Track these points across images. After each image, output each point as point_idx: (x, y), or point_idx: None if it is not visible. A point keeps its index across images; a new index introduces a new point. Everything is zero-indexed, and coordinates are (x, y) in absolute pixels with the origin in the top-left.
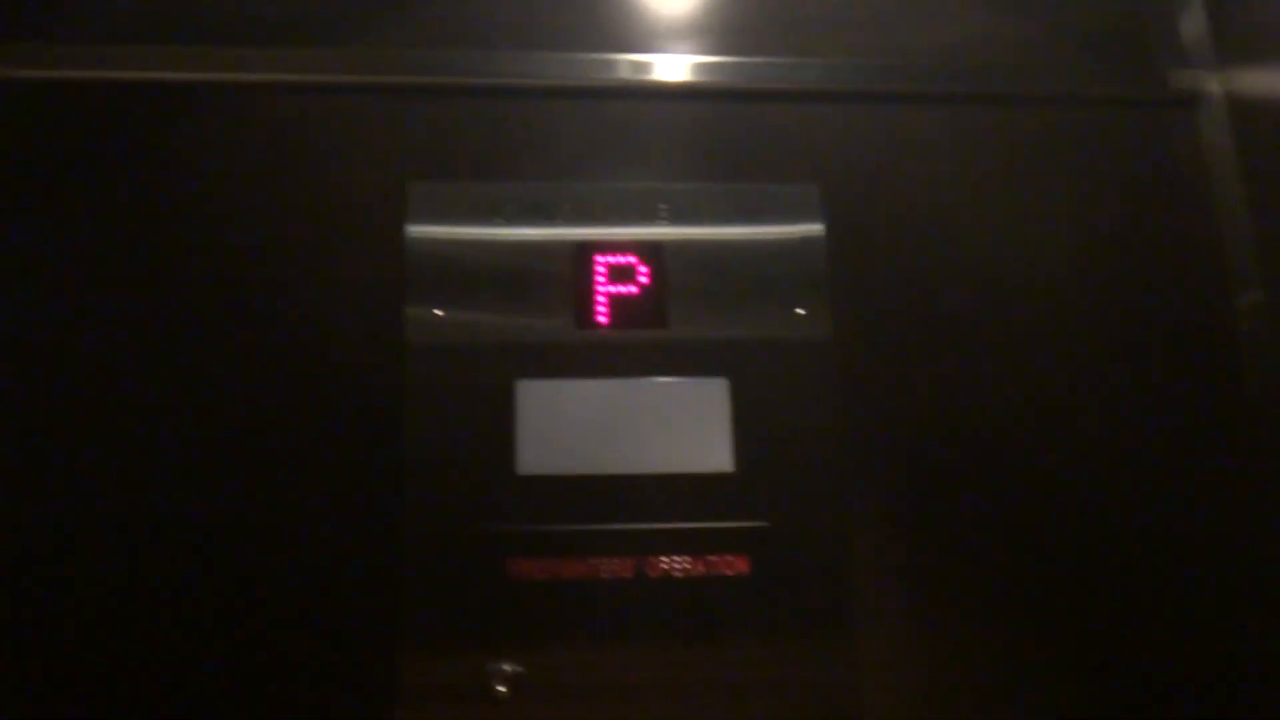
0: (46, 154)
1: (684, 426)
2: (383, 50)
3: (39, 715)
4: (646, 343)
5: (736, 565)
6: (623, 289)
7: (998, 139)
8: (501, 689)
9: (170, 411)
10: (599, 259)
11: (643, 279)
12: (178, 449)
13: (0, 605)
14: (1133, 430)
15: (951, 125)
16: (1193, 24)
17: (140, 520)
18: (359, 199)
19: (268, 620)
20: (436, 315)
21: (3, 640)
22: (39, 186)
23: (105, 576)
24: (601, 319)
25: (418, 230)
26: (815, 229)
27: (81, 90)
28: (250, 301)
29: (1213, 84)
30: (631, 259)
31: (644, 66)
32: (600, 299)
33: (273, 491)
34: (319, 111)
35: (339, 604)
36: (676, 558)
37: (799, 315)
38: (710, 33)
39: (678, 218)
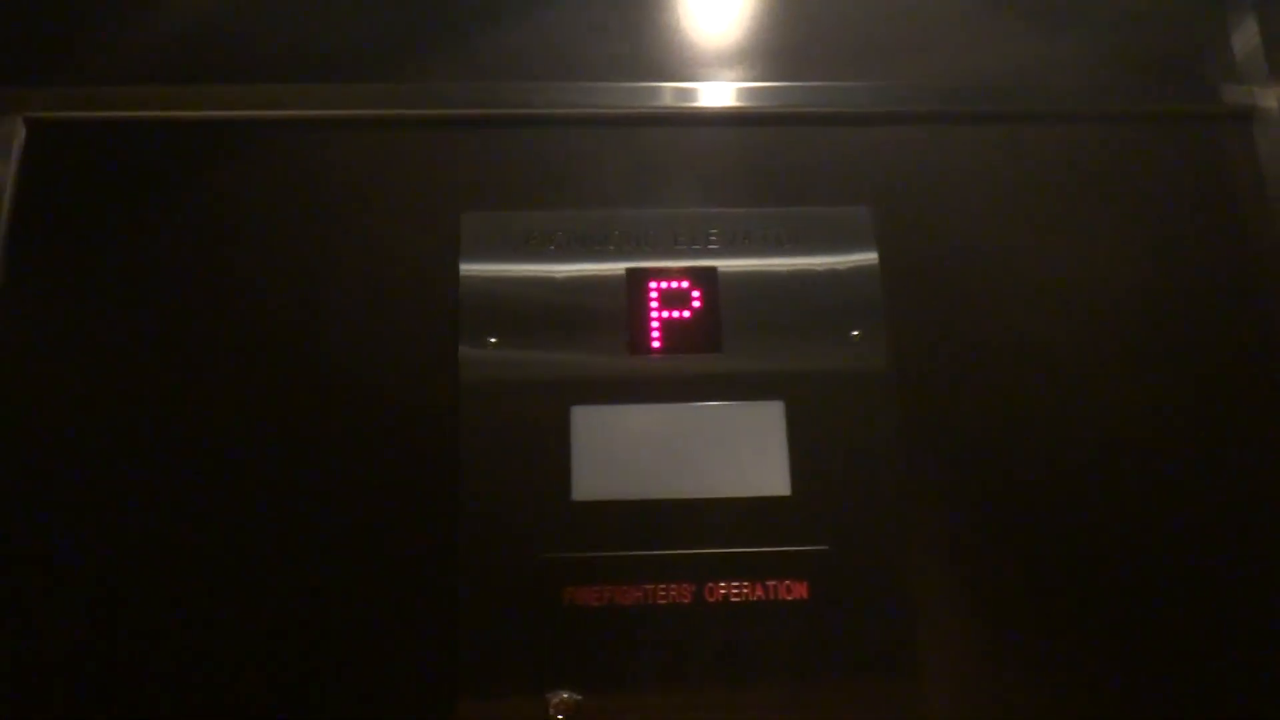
0: (88, 196)
1: (740, 450)
2: (431, 84)
3: None
4: (700, 367)
5: (796, 590)
6: (675, 314)
7: (1049, 159)
8: (560, 716)
9: (215, 444)
10: (651, 284)
11: (695, 303)
12: (226, 483)
13: (55, 640)
14: (1200, 456)
15: (1002, 145)
16: (1245, 38)
17: (194, 563)
18: (410, 231)
19: (326, 657)
20: (490, 343)
21: (56, 671)
22: (82, 227)
23: (161, 619)
24: (655, 344)
25: (471, 259)
26: (869, 251)
27: (126, 130)
28: (304, 335)
29: (1268, 98)
30: (684, 284)
31: (688, 94)
32: (654, 324)
33: (328, 527)
34: (368, 146)
35: (396, 635)
36: (735, 583)
37: (854, 337)
38: (755, 58)
39: (729, 242)
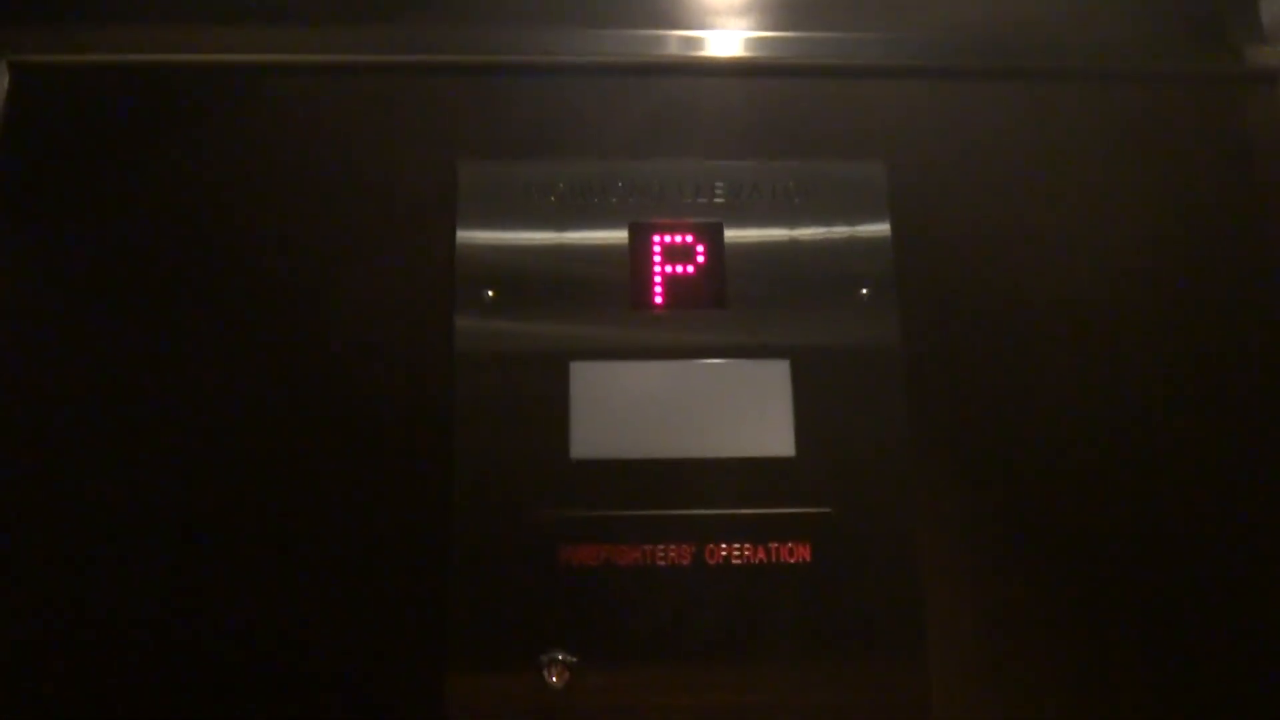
0: (75, 141)
1: (743, 409)
2: (429, 28)
3: None
4: (704, 324)
5: (799, 553)
6: (679, 269)
7: (1069, 118)
8: (554, 679)
9: (199, 401)
10: (655, 239)
11: (700, 259)
12: (210, 441)
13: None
14: (1218, 422)
15: (1021, 103)
16: (1272, 0)
17: (172, 525)
18: (407, 180)
19: (316, 616)
20: (488, 297)
21: (32, 658)
22: (63, 176)
23: (142, 578)
24: (658, 300)
25: (468, 210)
26: (880, 208)
27: (114, 74)
28: (295, 287)
29: None
30: (689, 238)
31: (696, 42)
32: (657, 279)
33: (317, 486)
34: (364, 92)
35: (387, 595)
36: (736, 545)
37: (863, 295)
38: (765, 6)
39: (735, 196)
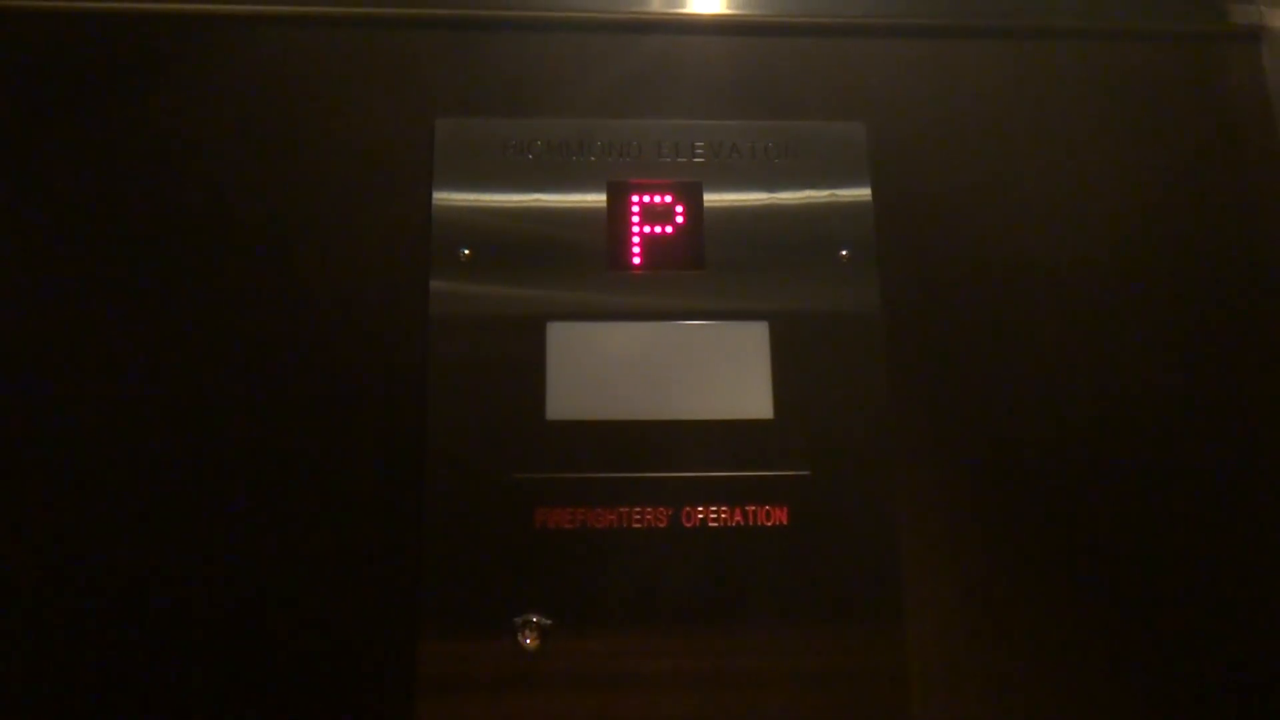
0: (47, 91)
1: (721, 371)
2: None
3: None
4: (682, 285)
5: (776, 516)
6: (657, 229)
7: (1052, 76)
8: (528, 641)
9: (158, 364)
10: (633, 198)
11: (679, 219)
12: (165, 405)
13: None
14: (1204, 395)
15: (1003, 61)
16: None
17: (133, 486)
18: (383, 136)
19: (288, 582)
20: (463, 255)
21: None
22: (31, 124)
23: (109, 550)
24: (636, 260)
25: (445, 167)
26: (861, 170)
27: (87, 22)
28: (271, 240)
29: (1276, 18)
30: (667, 198)
31: None
32: (634, 239)
33: (289, 443)
34: (339, 45)
35: (360, 559)
36: (713, 507)
37: (843, 257)
38: None
39: (715, 156)
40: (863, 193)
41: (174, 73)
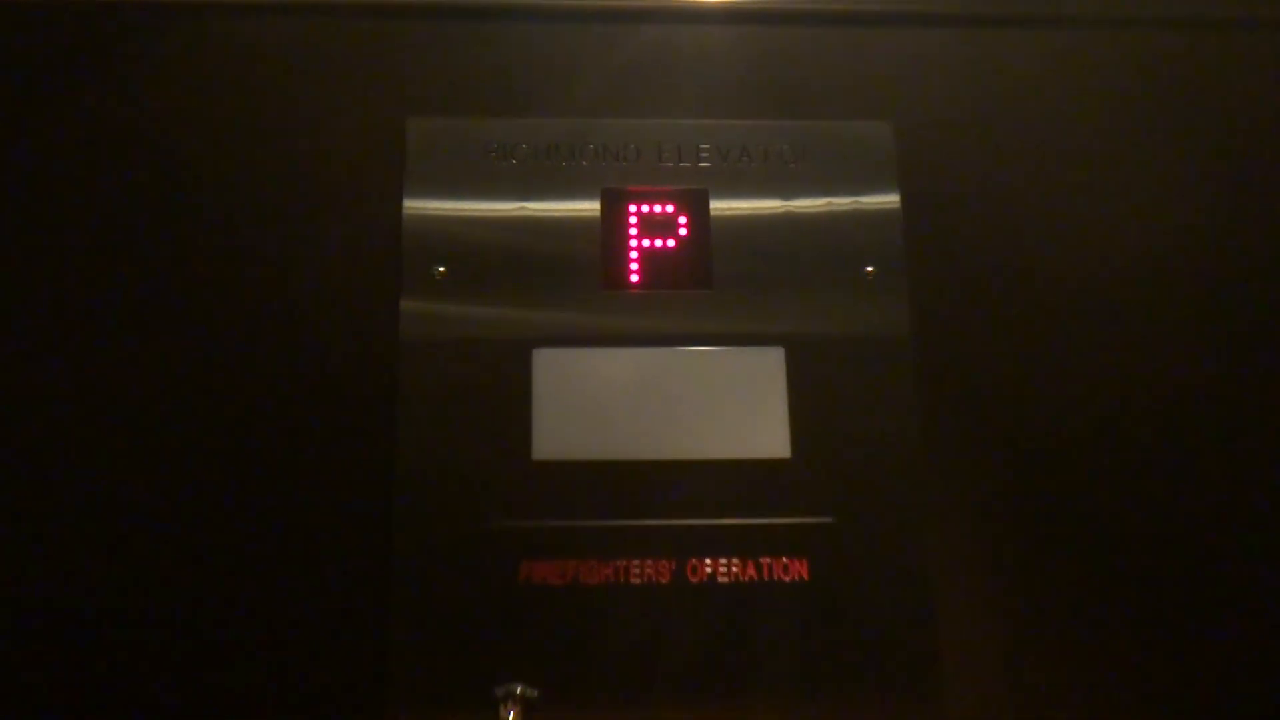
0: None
1: (732, 404)
2: None
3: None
4: (686, 306)
5: (795, 569)
6: (658, 243)
7: (1098, 68)
8: (512, 715)
9: (120, 375)
10: (631, 208)
11: (682, 231)
12: (125, 417)
13: None
14: (1257, 417)
15: (1042, 52)
16: None
17: (105, 516)
18: (348, 138)
19: (237, 648)
20: (438, 273)
21: None
22: None
23: (65, 568)
24: (634, 278)
25: (417, 173)
26: (888, 175)
27: (40, 10)
28: (230, 247)
29: None
30: (669, 208)
31: None
32: (633, 255)
33: (240, 483)
34: (303, 36)
35: (320, 621)
36: (722, 560)
37: (867, 274)
38: None
39: (723, 160)
40: (890, 200)
41: (131, 64)
